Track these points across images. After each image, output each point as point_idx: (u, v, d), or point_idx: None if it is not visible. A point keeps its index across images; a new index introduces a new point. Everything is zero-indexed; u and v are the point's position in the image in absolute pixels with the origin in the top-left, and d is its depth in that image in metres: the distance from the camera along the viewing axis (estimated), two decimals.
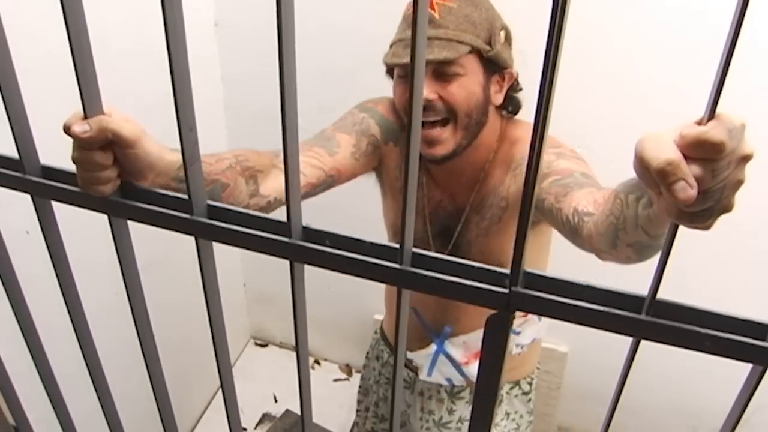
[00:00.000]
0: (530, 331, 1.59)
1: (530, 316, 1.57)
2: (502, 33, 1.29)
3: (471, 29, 1.23)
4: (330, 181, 1.31)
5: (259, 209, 1.11)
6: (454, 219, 1.46)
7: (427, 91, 1.23)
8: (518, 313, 1.64)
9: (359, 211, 2.00)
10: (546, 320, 1.66)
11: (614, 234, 0.85)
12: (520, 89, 1.39)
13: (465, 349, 1.58)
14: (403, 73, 1.30)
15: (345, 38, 2.10)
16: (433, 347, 1.61)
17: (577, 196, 1.06)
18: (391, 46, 1.29)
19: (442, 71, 1.23)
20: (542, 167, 1.23)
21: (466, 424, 1.67)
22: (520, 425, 1.71)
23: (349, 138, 1.35)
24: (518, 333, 1.57)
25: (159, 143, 0.77)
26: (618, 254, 0.91)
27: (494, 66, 1.29)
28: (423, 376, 1.64)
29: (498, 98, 1.33)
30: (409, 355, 1.67)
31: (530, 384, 1.69)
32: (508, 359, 1.59)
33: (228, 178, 1.05)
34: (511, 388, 1.66)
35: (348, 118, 1.40)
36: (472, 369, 1.60)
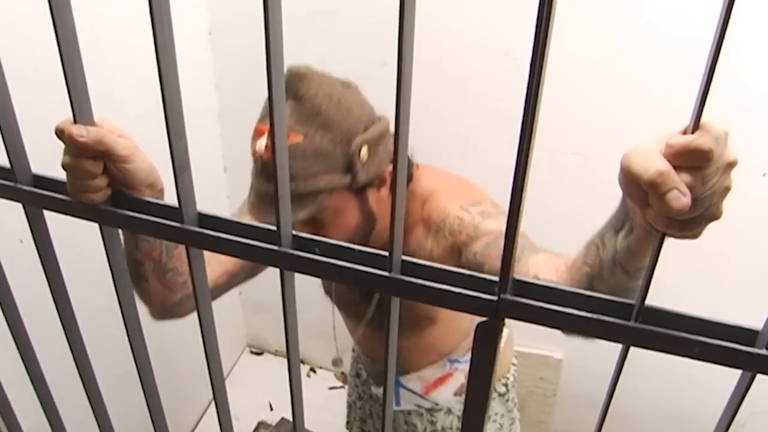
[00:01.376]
0: None
1: None
2: (364, 149, 1.11)
3: (324, 166, 1.08)
4: (248, 268, 1.24)
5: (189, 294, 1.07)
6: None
7: None
8: (464, 347, 1.62)
9: None
10: (510, 324, 1.66)
11: (588, 286, 0.80)
12: (410, 159, 1.25)
13: (422, 381, 1.59)
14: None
15: (336, 45, 2.10)
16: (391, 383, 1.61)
17: (534, 263, 0.99)
18: (251, 188, 1.16)
19: (311, 220, 1.13)
20: (468, 229, 1.18)
21: None
22: (503, 425, 1.72)
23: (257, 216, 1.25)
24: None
25: (150, 161, 0.77)
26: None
27: (366, 183, 1.15)
28: (392, 407, 1.64)
29: (383, 194, 1.20)
30: (374, 390, 1.70)
31: (506, 385, 1.70)
32: None
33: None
34: None
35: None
36: (435, 395, 1.62)
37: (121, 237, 0.78)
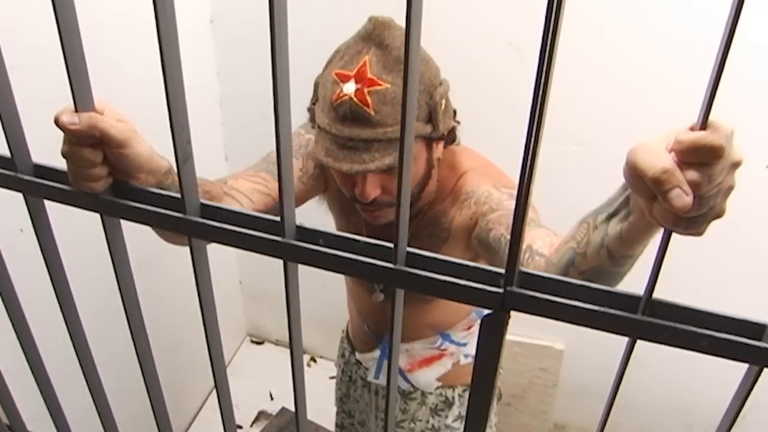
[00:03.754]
0: (473, 344, 1.59)
1: (474, 328, 1.59)
2: (443, 101, 1.17)
3: None
4: (278, 207, 1.25)
5: None
6: None
7: (372, 190, 1.17)
8: (461, 325, 1.62)
9: None
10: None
11: (570, 260, 0.82)
12: (458, 122, 1.30)
13: (408, 356, 1.59)
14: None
15: (341, 34, 2.09)
16: (377, 352, 1.62)
17: (532, 234, 1.02)
18: (320, 130, 1.15)
19: (388, 167, 1.13)
20: (492, 202, 1.23)
21: (419, 423, 1.68)
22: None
23: (295, 162, 1.30)
24: (465, 344, 1.58)
25: (150, 146, 0.76)
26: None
27: (437, 137, 1.20)
28: (370, 377, 1.66)
29: (440, 151, 1.26)
30: (358, 356, 1.70)
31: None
32: (457, 367, 1.55)
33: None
34: (464, 391, 1.66)
35: (294, 139, 1.34)
36: (417, 376, 1.61)
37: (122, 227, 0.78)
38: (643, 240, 0.69)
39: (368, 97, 1.07)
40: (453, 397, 1.65)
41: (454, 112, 1.28)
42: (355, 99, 1.08)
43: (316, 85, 1.21)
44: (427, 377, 1.60)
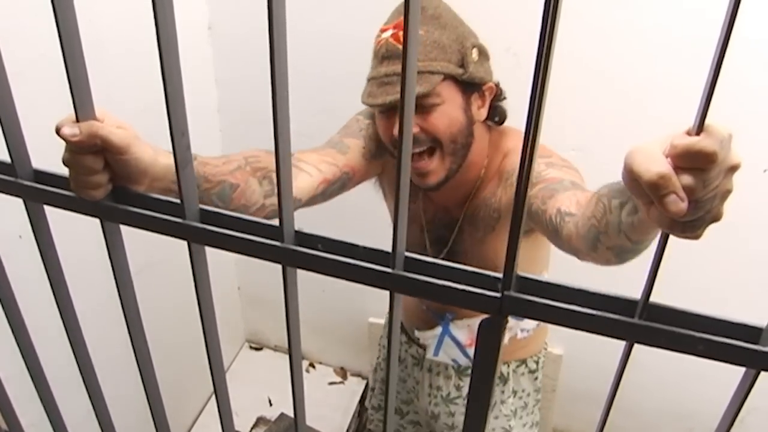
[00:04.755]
0: None
1: None
2: (475, 51, 1.27)
3: (441, 55, 1.22)
4: (345, 179, 1.34)
5: (275, 209, 1.13)
6: (449, 229, 1.48)
7: None
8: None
9: (353, 216, 2.00)
10: None
11: (595, 236, 0.86)
12: (504, 98, 1.39)
13: (469, 331, 1.61)
14: (383, 108, 1.28)
15: (339, 40, 2.10)
16: (439, 329, 1.63)
17: (560, 198, 1.07)
18: (368, 81, 1.27)
19: (419, 104, 1.21)
20: (532, 177, 1.24)
21: None
22: (528, 403, 1.74)
23: (357, 141, 1.39)
24: (521, 319, 1.59)
25: (153, 147, 0.76)
26: (597, 257, 0.92)
27: (472, 86, 1.28)
28: (430, 355, 1.68)
29: (482, 114, 1.32)
30: (417, 333, 1.70)
31: (537, 363, 1.72)
32: (514, 341, 1.59)
33: (237, 179, 1.06)
34: (518, 366, 1.69)
35: (353, 124, 1.43)
36: None
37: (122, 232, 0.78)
38: (656, 229, 0.72)
39: (401, 38, 1.14)
40: (508, 373, 1.68)
41: (500, 89, 1.36)
42: (390, 39, 1.21)
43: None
44: None
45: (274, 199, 1.13)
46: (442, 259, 1.43)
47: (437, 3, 1.26)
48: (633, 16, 1.79)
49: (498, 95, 1.36)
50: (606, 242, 0.85)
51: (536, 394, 1.76)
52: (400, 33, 1.17)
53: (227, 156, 1.08)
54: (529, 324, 1.62)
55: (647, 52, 1.82)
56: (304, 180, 1.23)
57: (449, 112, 1.25)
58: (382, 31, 1.25)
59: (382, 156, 1.43)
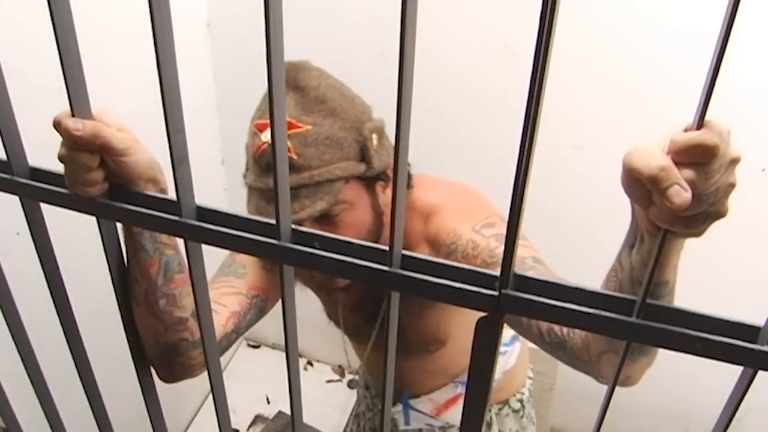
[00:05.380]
0: (498, 366, 1.58)
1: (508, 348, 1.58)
2: (374, 136, 1.10)
3: (338, 154, 1.05)
4: (258, 302, 1.17)
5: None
6: (376, 311, 1.36)
7: None
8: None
9: None
10: (523, 345, 1.66)
11: None
12: (408, 163, 1.17)
13: (432, 403, 1.57)
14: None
15: (336, 38, 2.10)
16: (400, 405, 1.59)
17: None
18: (249, 189, 1.11)
19: (322, 216, 1.07)
20: (483, 254, 1.09)
21: None
22: None
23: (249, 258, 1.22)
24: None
25: (151, 155, 0.75)
26: (615, 347, 0.82)
27: (376, 176, 1.12)
28: (402, 426, 1.63)
29: (388, 196, 1.16)
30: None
31: (521, 401, 1.66)
32: None
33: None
34: (500, 409, 1.63)
35: None
36: (446, 416, 1.58)
37: (122, 238, 0.77)
38: (667, 262, 0.67)
39: (288, 141, 1.02)
40: (491, 417, 1.61)
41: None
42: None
43: (247, 149, 1.15)
44: (456, 414, 1.56)
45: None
46: (377, 336, 1.38)
47: (317, 79, 1.08)
48: (633, 14, 1.79)
49: None
50: None
51: (524, 431, 1.71)
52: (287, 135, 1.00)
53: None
54: (496, 374, 1.57)
55: (645, 50, 1.81)
56: None
57: (357, 216, 1.11)
58: (258, 128, 1.09)
59: None
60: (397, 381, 1.54)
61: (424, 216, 1.21)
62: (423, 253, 1.22)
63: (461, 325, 1.41)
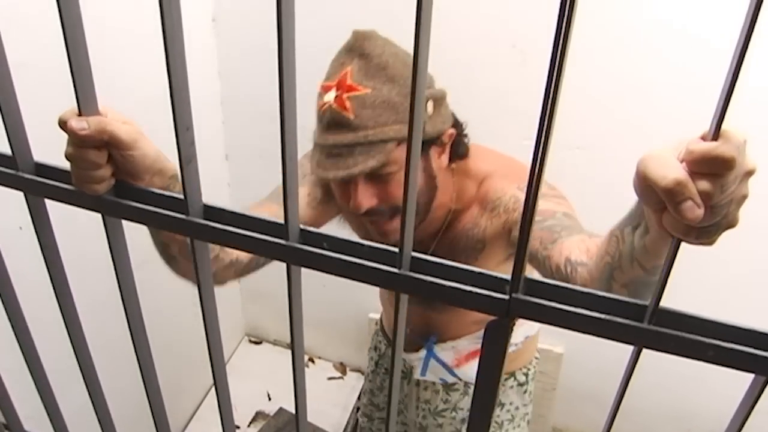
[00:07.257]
0: (521, 330, 1.61)
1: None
2: (430, 104, 1.16)
3: (393, 117, 1.11)
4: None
5: (222, 266, 1.09)
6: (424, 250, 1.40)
7: (365, 200, 1.16)
8: None
9: None
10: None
11: (609, 275, 0.82)
12: (465, 134, 1.31)
13: (455, 352, 1.59)
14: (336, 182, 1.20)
15: (346, 33, 2.09)
16: (424, 351, 1.62)
17: (568, 245, 1.01)
18: (315, 146, 1.18)
19: (375, 174, 1.14)
20: (521, 209, 1.17)
21: (461, 412, 1.69)
22: (515, 416, 1.72)
23: (301, 189, 1.31)
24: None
25: (157, 148, 0.75)
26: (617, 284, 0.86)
27: (430, 141, 1.19)
28: (417, 375, 1.67)
29: (443, 161, 1.25)
30: (403, 355, 1.68)
31: (526, 375, 1.70)
32: None
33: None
34: (506, 379, 1.67)
35: (299, 168, 1.30)
36: (464, 370, 1.62)
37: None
38: (667, 251, 0.68)
39: (347, 102, 1.09)
40: None
41: (459, 124, 1.28)
42: (334, 105, 1.10)
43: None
44: (475, 369, 1.58)
45: (224, 255, 1.07)
46: None
47: (381, 47, 1.14)
48: (640, 15, 1.78)
49: (458, 132, 1.27)
50: (620, 279, 0.80)
51: (525, 408, 1.74)
52: (344, 96, 1.09)
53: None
54: (517, 338, 1.60)
55: (652, 51, 1.81)
56: None
57: None
58: (324, 89, 1.14)
59: (334, 199, 1.33)
60: (426, 326, 1.59)
61: (477, 181, 1.31)
62: (473, 214, 1.29)
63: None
